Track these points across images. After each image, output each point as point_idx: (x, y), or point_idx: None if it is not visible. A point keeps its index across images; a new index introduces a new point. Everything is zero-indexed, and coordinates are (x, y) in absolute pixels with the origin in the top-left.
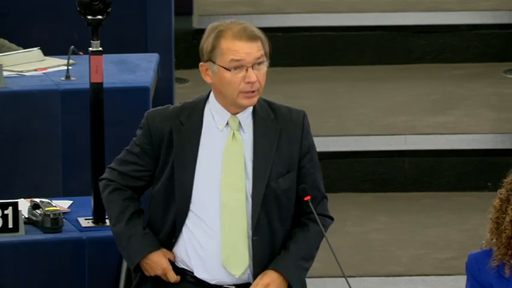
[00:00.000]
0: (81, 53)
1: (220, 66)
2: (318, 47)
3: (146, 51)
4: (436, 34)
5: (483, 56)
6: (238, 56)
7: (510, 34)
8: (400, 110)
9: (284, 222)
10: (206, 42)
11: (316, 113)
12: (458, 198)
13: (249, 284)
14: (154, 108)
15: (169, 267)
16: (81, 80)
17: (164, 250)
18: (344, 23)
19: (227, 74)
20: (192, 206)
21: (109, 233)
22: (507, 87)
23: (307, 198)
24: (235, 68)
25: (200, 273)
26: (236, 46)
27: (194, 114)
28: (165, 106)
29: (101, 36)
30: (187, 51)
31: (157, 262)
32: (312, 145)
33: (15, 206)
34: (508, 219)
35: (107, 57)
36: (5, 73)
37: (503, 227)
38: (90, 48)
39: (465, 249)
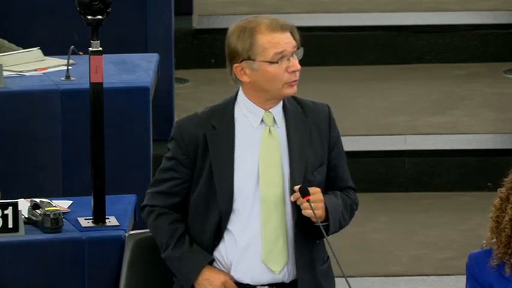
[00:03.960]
0: (81, 53)
1: (264, 61)
2: (318, 47)
3: (146, 51)
4: (436, 34)
5: (483, 56)
6: (281, 48)
7: (510, 34)
8: (400, 110)
9: None
10: (239, 43)
11: None
12: (458, 198)
13: (283, 283)
14: (182, 117)
15: (228, 278)
16: (81, 80)
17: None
18: (344, 23)
19: (272, 68)
20: (234, 205)
21: (109, 233)
22: (507, 87)
23: (307, 198)
24: (279, 60)
25: (234, 272)
26: (275, 38)
27: (225, 116)
28: (192, 113)
29: (101, 36)
30: (187, 51)
31: (215, 277)
32: (339, 137)
33: (15, 206)
34: (507, 218)
35: (106, 57)
36: (5, 73)
37: (503, 226)
38: (90, 48)
39: (465, 249)
